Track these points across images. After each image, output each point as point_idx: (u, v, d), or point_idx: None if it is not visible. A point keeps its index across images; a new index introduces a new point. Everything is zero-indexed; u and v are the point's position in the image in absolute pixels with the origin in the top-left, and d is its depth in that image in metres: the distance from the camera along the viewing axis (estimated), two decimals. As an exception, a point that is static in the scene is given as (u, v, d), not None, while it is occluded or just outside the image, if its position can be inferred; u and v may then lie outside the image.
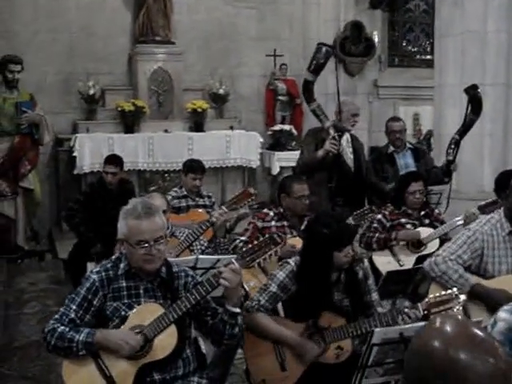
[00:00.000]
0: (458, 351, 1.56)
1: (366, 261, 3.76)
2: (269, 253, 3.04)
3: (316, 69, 5.28)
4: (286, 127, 9.68)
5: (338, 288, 3.49)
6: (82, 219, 6.17)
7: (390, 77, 10.82)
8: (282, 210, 4.84)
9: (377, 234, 5.10)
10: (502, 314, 2.56)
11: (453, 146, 5.76)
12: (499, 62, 7.39)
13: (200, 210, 5.61)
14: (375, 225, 5.16)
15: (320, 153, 5.47)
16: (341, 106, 5.70)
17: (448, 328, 1.62)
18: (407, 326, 3.05)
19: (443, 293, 3.26)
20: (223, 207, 4.88)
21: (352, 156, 5.80)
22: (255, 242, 3.08)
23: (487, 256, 3.79)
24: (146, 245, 2.94)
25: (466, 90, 5.71)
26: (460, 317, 1.74)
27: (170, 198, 5.73)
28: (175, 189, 5.99)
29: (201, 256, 3.90)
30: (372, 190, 6.14)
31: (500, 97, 7.44)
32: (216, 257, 3.80)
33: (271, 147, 9.77)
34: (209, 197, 6.01)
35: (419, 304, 3.24)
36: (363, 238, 5.17)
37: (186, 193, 5.85)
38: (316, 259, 3.41)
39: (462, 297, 3.21)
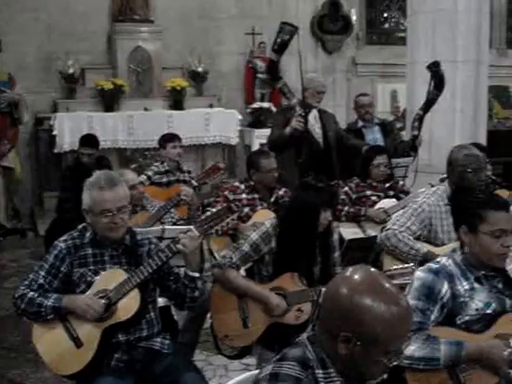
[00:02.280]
0: (361, 296, 1.78)
1: (336, 235, 3.84)
2: (225, 221, 3.22)
3: (279, 48, 5.41)
4: (266, 105, 9.82)
5: (314, 254, 3.62)
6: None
7: (368, 54, 10.95)
8: (252, 184, 5.03)
9: (346, 208, 5.27)
10: (418, 273, 2.79)
11: (417, 122, 5.94)
12: (470, 40, 7.54)
13: (181, 186, 5.76)
14: (342, 196, 5.34)
15: (287, 130, 5.64)
16: (306, 82, 5.84)
17: (356, 276, 1.84)
18: None
19: (400, 266, 3.47)
20: (193, 181, 5.05)
21: (320, 131, 5.97)
22: (213, 210, 3.26)
23: (436, 225, 4.02)
24: (110, 214, 3.09)
25: (429, 67, 5.87)
26: (374, 269, 1.92)
27: (151, 173, 5.92)
28: (156, 164, 6.15)
29: (167, 226, 4.08)
30: (352, 155, 6.22)
31: (470, 74, 7.60)
32: (180, 227, 3.97)
33: (251, 125, 9.92)
34: (189, 172, 6.18)
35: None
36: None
37: (167, 168, 6.02)
38: (304, 219, 3.50)
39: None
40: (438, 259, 2.93)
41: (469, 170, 4.06)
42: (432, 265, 2.87)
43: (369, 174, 5.39)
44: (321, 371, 1.85)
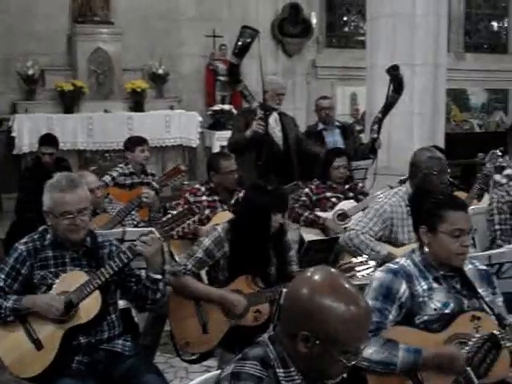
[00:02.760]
0: (322, 297, 1.82)
1: (288, 234, 3.93)
2: (186, 223, 3.25)
3: (240, 52, 5.46)
4: (226, 107, 9.85)
5: (268, 257, 3.65)
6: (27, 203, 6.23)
7: (328, 57, 11.06)
8: (212, 186, 5.05)
9: (305, 213, 5.32)
10: (377, 273, 2.85)
11: (376, 125, 6.03)
12: (428, 44, 7.70)
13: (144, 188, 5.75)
14: (303, 198, 5.40)
15: (248, 133, 5.69)
16: (266, 85, 5.89)
17: (317, 277, 1.88)
18: None
19: (354, 260, 3.54)
20: (154, 184, 5.04)
21: (280, 134, 6.01)
22: (173, 213, 3.28)
23: (397, 226, 4.11)
24: (71, 216, 3.08)
25: (388, 70, 5.97)
26: (334, 270, 1.96)
27: (116, 174, 5.89)
28: (121, 165, 6.11)
29: (128, 228, 4.08)
30: (311, 160, 6.28)
31: (429, 77, 7.76)
32: (142, 229, 3.97)
33: (211, 127, 9.93)
34: (153, 175, 6.15)
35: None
36: (292, 212, 5.40)
37: (132, 170, 6.00)
38: (254, 222, 3.55)
39: (372, 263, 3.48)
40: (398, 260, 2.98)
41: (433, 172, 4.14)
42: (391, 265, 2.91)
43: (329, 176, 5.45)
44: (282, 370, 1.88)
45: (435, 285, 2.84)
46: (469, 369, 2.52)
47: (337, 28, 11.58)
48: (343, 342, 1.82)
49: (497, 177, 5.93)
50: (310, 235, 5.22)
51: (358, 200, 5.37)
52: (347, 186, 5.50)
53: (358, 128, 9.30)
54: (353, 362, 1.86)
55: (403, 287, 2.79)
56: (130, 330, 3.45)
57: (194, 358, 3.67)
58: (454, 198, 3.00)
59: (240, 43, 5.42)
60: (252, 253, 3.53)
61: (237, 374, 1.86)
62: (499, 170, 6.26)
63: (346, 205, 5.33)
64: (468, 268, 2.94)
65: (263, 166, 5.73)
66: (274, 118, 5.98)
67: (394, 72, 5.88)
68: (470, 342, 2.59)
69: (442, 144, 7.98)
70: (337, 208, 5.33)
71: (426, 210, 2.97)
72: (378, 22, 7.83)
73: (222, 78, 9.97)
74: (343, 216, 5.28)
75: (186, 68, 10.25)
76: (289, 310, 1.89)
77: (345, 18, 11.67)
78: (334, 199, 5.39)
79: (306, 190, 5.43)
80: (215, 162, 5.02)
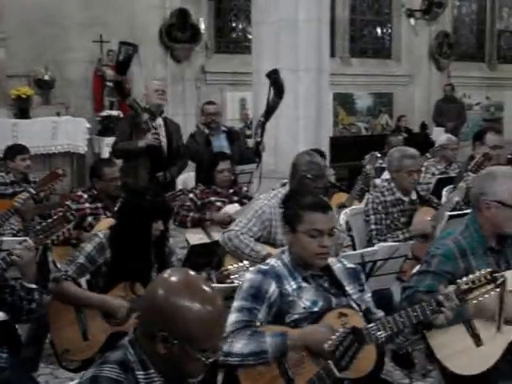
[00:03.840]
0: (177, 297, 1.86)
1: (170, 239, 4.00)
2: (61, 230, 3.22)
3: (121, 69, 5.46)
4: (115, 113, 9.75)
5: (149, 262, 3.64)
6: None
7: (217, 63, 11.15)
8: (95, 192, 5.02)
9: (191, 214, 5.37)
10: (247, 274, 2.93)
11: (259, 129, 6.14)
12: (310, 49, 7.88)
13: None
14: (188, 203, 5.43)
15: (141, 143, 5.77)
16: (145, 88, 5.92)
17: (173, 278, 1.92)
18: None
19: (235, 265, 3.63)
20: (30, 189, 4.93)
21: (165, 140, 6.04)
22: (49, 220, 3.25)
23: (275, 227, 4.21)
24: None
25: (268, 75, 6.09)
26: (192, 272, 2.00)
27: (-4, 183, 5.73)
28: (1, 174, 5.95)
29: (4, 238, 4.00)
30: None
31: (312, 81, 7.94)
32: (18, 238, 3.90)
33: (100, 133, 9.82)
34: (35, 183, 6.02)
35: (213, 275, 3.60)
36: (177, 217, 5.43)
37: (13, 179, 5.85)
38: (133, 229, 3.55)
39: (252, 269, 3.58)
40: (268, 260, 3.05)
41: (309, 176, 4.25)
42: (261, 266, 2.99)
43: (213, 180, 5.52)
44: (141, 372, 1.91)
45: (304, 284, 2.91)
46: (330, 362, 2.58)
47: (225, 33, 11.68)
48: (201, 341, 1.86)
49: (377, 181, 6.18)
50: (195, 237, 5.27)
51: (242, 204, 5.46)
52: (232, 190, 5.59)
53: (248, 133, 9.46)
54: (211, 360, 1.90)
55: (272, 287, 2.85)
56: (9, 342, 3.39)
57: (75, 367, 3.63)
58: (314, 200, 3.05)
59: (120, 60, 5.43)
60: (132, 260, 3.53)
61: (95, 377, 1.88)
62: (379, 171, 6.53)
63: (231, 208, 5.41)
64: (336, 267, 3.04)
65: (148, 171, 5.75)
66: (158, 123, 5.99)
67: (273, 76, 6.01)
68: (333, 337, 2.65)
69: (326, 147, 8.22)
70: (221, 212, 5.39)
71: (288, 210, 3.07)
72: (263, 27, 7.97)
73: (109, 84, 9.86)
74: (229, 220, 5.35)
75: (74, 74, 10.06)
76: (146, 311, 1.92)
77: (233, 24, 11.78)
78: (218, 203, 5.45)
79: (191, 195, 5.47)
80: (98, 168, 5.01)
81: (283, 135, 7.80)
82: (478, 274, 2.72)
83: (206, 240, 5.28)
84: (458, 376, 2.99)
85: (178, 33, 10.18)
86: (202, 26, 10.56)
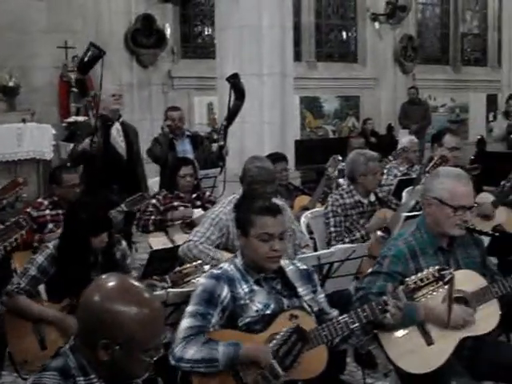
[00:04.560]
0: (112, 302, 1.87)
1: (123, 242, 4.02)
2: (14, 236, 3.23)
3: (83, 68, 5.47)
4: (81, 118, 9.69)
5: (97, 269, 3.67)
6: None
7: (184, 68, 11.17)
8: (56, 199, 5.02)
9: (153, 217, 5.40)
10: (201, 279, 2.96)
11: (222, 132, 6.18)
12: (274, 54, 7.96)
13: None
14: (150, 209, 5.45)
15: (79, 148, 5.77)
16: (102, 94, 5.92)
17: (107, 283, 1.93)
18: None
19: (188, 265, 3.69)
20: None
21: (124, 144, 6.04)
22: (1, 227, 3.26)
23: (233, 233, 4.20)
24: None
25: (228, 79, 6.13)
26: (124, 276, 2.05)
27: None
28: None
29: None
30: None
31: (277, 86, 8.02)
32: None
33: (67, 139, 9.74)
34: (1, 191, 6.00)
35: (167, 276, 3.63)
36: (140, 222, 5.46)
37: (-27, 187, 5.81)
38: (74, 243, 3.61)
39: (206, 267, 3.62)
40: (221, 265, 3.08)
41: (258, 181, 4.27)
42: (214, 271, 3.03)
43: (176, 185, 5.54)
44: (82, 378, 1.91)
45: (256, 287, 2.95)
46: (273, 361, 2.64)
47: (191, 39, 11.71)
48: (142, 342, 1.88)
49: (340, 180, 6.25)
50: (157, 242, 5.29)
51: (205, 208, 5.47)
52: (195, 195, 5.61)
53: (215, 137, 9.47)
54: (155, 358, 1.93)
55: (225, 291, 2.89)
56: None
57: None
58: (264, 204, 3.09)
59: (85, 59, 5.44)
60: (75, 270, 3.53)
61: None
62: (342, 173, 6.59)
63: (194, 213, 5.44)
64: (289, 269, 3.08)
65: (107, 176, 5.75)
66: (116, 129, 5.98)
67: (233, 80, 6.05)
68: (278, 336, 2.70)
69: (291, 151, 8.30)
70: (180, 210, 5.42)
71: (240, 215, 3.13)
72: (226, 32, 8.03)
73: (75, 90, 9.83)
74: (191, 225, 5.37)
75: (39, 80, 10.01)
76: (83, 319, 1.92)
77: (199, 29, 11.81)
78: (181, 208, 5.48)
79: (154, 200, 5.49)
80: (58, 174, 4.99)
81: (248, 139, 7.87)
82: (425, 272, 2.76)
83: (169, 245, 5.30)
84: (411, 375, 3.04)
85: (143, 38, 10.18)
86: (168, 32, 10.58)
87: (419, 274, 2.76)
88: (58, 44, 9.87)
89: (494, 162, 9.02)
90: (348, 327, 2.81)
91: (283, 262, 3.08)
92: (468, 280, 3.13)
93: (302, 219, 5.11)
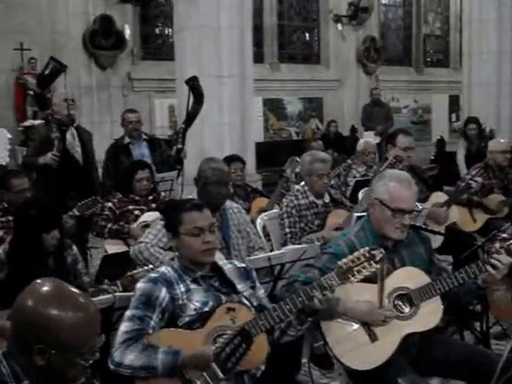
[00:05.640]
0: (46, 307, 1.85)
1: (74, 247, 3.96)
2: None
3: (43, 83, 5.40)
4: (37, 122, 9.53)
5: (48, 274, 3.64)
6: None
7: (144, 70, 11.06)
8: (6, 205, 4.90)
9: (109, 225, 5.31)
10: (138, 284, 2.95)
11: (180, 135, 6.11)
12: (233, 56, 7.89)
13: None
14: (106, 212, 5.37)
15: (41, 161, 5.74)
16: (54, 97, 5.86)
17: (41, 288, 1.91)
18: None
19: (140, 269, 3.72)
20: None
21: (80, 150, 5.97)
22: None
23: None
24: None
25: (187, 82, 6.07)
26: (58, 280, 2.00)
27: None
28: None
29: None
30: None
31: (236, 88, 7.95)
32: None
33: (23, 143, 9.60)
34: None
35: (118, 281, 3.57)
36: (95, 227, 5.37)
37: None
38: (26, 241, 3.57)
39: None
40: (158, 268, 3.11)
41: (212, 183, 4.25)
42: (151, 274, 3.03)
43: (132, 189, 5.46)
44: None
45: (193, 286, 2.97)
46: (213, 364, 2.65)
47: (151, 40, 11.61)
48: (78, 347, 1.88)
49: (296, 187, 6.23)
50: (114, 247, 5.21)
51: (161, 212, 5.40)
52: (150, 197, 5.54)
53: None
54: (91, 361, 1.93)
55: (163, 293, 2.90)
56: None
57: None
58: (189, 202, 3.14)
59: (46, 74, 5.38)
60: (27, 274, 3.46)
61: None
62: (300, 175, 6.57)
63: (150, 216, 5.35)
64: (227, 267, 3.11)
65: (64, 182, 5.68)
66: (71, 133, 5.92)
67: (191, 83, 5.99)
68: (221, 339, 2.72)
69: (252, 153, 8.25)
70: (140, 220, 5.34)
71: (167, 218, 3.19)
72: (185, 34, 7.95)
73: (32, 93, 9.68)
74: (147, 227, 5.30)
75: (-6, 83, 9.86)
76: (18, 325, 1.90)
77: (160, 30, 11.71)
78: (137, 212, 5.40)
79: (109, 204, 5.40)
80: (6, 180, 4.88)
81: (208, 141, 7.80)
82: (356, 253, 2.80)
83: (124, 249, 5.22)
84: (357, 372, 3.07)
85: (102, 39, 10.05)
86: (127, 33, 10.46)
87: (350, 256, 2.80)
88: (14, 46, 9.71)
89: (453, 162, 9.10)
90: (284, 313, 2.81)
91: (221, 262, 3.12)
92: (411, 277, 3.17)
93: (258, 221, 5.07)
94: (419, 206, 4.69)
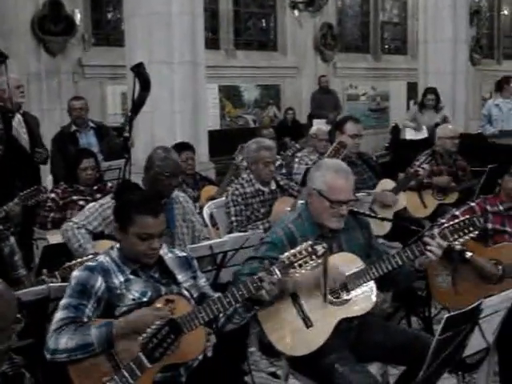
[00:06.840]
0: None
1: (12, 238, 3.87)
2: None
3: None
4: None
5: None
6: None
7: (96, 56, 10.76)
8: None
9: (51, 214, 5.19)
10: (74, 272, 2.94)
11: (127, 123, 5.98)
12: (184, 42, 7.76)
13: None
14: (49, 203, 5.25)
15: None
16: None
17: None
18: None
19: (79, 260, 3.57)
20: None
21: (26, 136, 5.82)
22: None
23: None
24: None
25: (132, 69, 5.93)
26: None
27: None
28: None
29: None
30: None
31: (187, 75, 7.83)
32: None
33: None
34: None
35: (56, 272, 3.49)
36: (37, 218, 5.26)
37: None
38: None
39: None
40: (97, 257, 3.05)
41: (164, 173, 4.20)
42: (88, 263, 3.02)
43: (77, 179, 5.35)
44: None
45: (132, 277, 2.95)
46: (140, 353, 2.66)
47: (103, 26, 11.35)
48: None
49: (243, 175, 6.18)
50: (58, 238, 5.10)
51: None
52: (96, 187, 5.44)
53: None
54: (7, 345, 1.93)
55: (99, 282, 2.88)
56: None
57: None
58: (147, 201, 3.02)
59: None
60: None
61: None
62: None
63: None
64: (168, 257, 3.08)
65: (9, 171, 5.51)
66: (17, 120, 5.76)
67: (137, 69, 5.84)
68: (148, 329, 2.70)
69: (205, 140, 8.16)
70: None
71: (119, 209, 3.09)
72: (135, 20, 7.79)
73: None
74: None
75: None
76: None
77: (111, 15, 11.48)
78: (81, 202, 5.29)
79: (52, 195, 5.31)
80: None
81: (159, 129, 7.68)
82: (298, 247, 2.83)
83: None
84: (295, 358, 3.11)
85: (51, 25, 9.79)
86: (78, 18, 10.20)
87: (292, 251, 2.82)
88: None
89: (407, 149, 9.11)
90: (224, 306, 2.83)
91: (162, 251, 3.07)
92: (346, 262, 3.19)
93: (205, 209, 5.03)
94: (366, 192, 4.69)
